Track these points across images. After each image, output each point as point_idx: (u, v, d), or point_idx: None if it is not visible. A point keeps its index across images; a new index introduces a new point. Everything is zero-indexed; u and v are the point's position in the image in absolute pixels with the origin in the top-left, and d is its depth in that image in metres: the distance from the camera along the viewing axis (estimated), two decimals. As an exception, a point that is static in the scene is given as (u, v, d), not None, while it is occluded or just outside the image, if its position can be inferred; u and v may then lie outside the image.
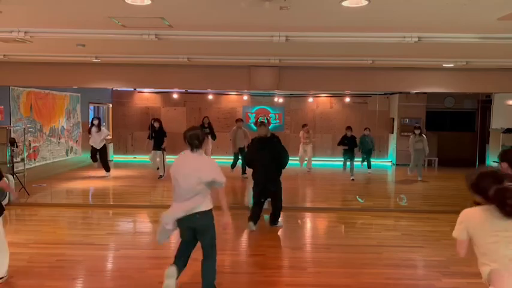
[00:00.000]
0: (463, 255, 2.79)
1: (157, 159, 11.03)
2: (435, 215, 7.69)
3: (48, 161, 11.22)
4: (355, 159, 11.73)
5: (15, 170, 8.76)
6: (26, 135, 9.72)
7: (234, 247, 6.04)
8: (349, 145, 11.52)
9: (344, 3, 3.90)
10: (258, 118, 14.97)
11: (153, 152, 11.08)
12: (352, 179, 11.29)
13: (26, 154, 9.68)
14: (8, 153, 8.74)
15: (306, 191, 10.65)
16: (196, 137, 4.11)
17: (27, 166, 9.58)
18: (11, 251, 4.84)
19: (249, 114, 15.15)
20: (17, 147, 8.89)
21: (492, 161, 10.61)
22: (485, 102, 12.82)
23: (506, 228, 2.62)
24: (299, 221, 7.56)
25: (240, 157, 11.29)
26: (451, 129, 14.76)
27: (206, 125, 12.15)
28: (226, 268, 5.17)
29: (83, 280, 4.87)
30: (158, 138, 11.03)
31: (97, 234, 6.44)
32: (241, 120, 11.84)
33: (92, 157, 11.21)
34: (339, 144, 11.70)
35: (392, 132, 14.79)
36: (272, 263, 5.39)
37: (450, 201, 9.12)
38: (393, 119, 14.82)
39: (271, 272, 5.05)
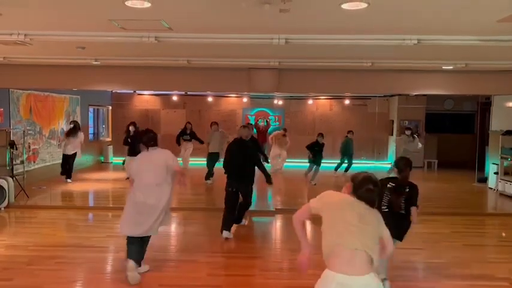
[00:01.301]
0: None
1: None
2: (435, 217, 7.68)
3: (47, 163, 11.21)
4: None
5: (14, 172, 8.76)
6: (25, 138, 9.72)
7: (232, 249, 6.03)
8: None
9: (343, 6, 3.91)
10: (258, 120, 14.99)
11: (127, 157, 10.37)
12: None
13: (25, 156, 9.67)
14: (8, 156, 8.73)
15: (303, 193, 10.64)
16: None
17: (26, 168, 9.57)
18: (11, 253, 4.83)
19: (248, 116, 15.15)
20: (16, 149, 8.88)
21: (492, 162, 10.62)
22: (485, 104, 12.84)
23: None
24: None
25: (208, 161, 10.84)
26: (450, 131, 14.77)
27: (188, 131, 12.04)
28: (224, 270, 5.16)
29: (83, 282, 4.86)
30: (134, 143, 10.37)
31: (97, 236, 6.43)
32: (216, 123, 11.31)
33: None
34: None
35: (392, 134, 14.80)
36: (271, 265, 5.39)
37: (450, 203, 9.12)
38: (393, 121, 14.83)
39: (270, 274, 5.05)
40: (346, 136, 12.37)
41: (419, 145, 10.97)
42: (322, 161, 11.19)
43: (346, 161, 12.44)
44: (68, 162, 10.58)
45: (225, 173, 6.58)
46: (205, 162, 10.91)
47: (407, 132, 11.07)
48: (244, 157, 6.45)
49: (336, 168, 12.37)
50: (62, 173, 10.58)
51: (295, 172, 12.69)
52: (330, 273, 2.60)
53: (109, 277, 5.02)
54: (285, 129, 13.15)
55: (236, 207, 6.56)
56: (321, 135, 11.19)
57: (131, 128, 10.60)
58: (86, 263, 5.29)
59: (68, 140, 10.55)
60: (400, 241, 4.34)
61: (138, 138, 10.26)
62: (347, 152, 12.23)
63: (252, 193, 6.70)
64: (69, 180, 10.54)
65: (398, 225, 4.21)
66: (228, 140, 10.06)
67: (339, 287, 2.53)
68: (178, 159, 12.08)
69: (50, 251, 5.66)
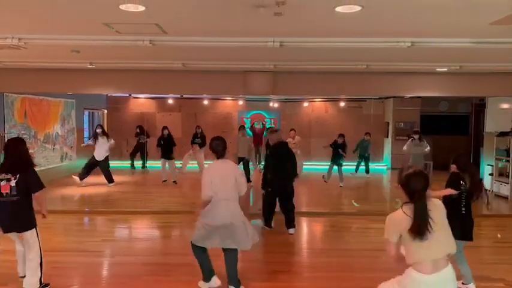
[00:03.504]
0: (395, 257, 2.88)
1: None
2: (430, 219, 7.70)
3: (42, 168, 11.14)
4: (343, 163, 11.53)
5: (9, 176, 8.69)
6: (20, 142, 9.66)
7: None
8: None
9: (337, 9, 3.92)
10: (254, 123, 14.99)
11: (162, 160, 11.38)
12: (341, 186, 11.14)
13: (20, 161, 9.61)
14: (2, 160, 8.68)
15: (301, 196, 10.64)
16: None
17: (21, 173, 9.51)
18: (5, 258, 4.81)
19: (244, 119, 15.15)
20: (11, 153, 8.82)
21: (487, 164, 10.67)
22: (479, 106, 12.89)
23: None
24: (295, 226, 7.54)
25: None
26: (445, 132, 14.82)
27: (199, 135, 12.13)
28: (222, 273, 5.15)
29: (78, 287, 4.83)
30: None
31: (92, 241, 6.40)
32: (243, 127, 11.69)
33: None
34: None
35: (387, 137, 14.84)
36: (268, 267, 5.39)
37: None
38: (388, 123, 14.87)
39: (268, 277, 5.04)
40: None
41: (428, 147, 10.99)
42: (321, 163, 11.24)
43: (363, 163, 12.72)
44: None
45: (267, 177, 6.91)
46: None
47: (416, 136, 11.04)
48: (288, 159, 6.87)
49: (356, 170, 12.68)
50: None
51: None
52: None
53: (104, 282, 5.00)
54: (293, 130, 12.64)
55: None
56: (341, 136, 11.35)
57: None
58: (81, 268, 5.27)
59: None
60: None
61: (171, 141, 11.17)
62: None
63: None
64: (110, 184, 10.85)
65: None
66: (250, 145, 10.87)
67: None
68: (177, 162, 12.12)
69: (45, 256, 5.57)
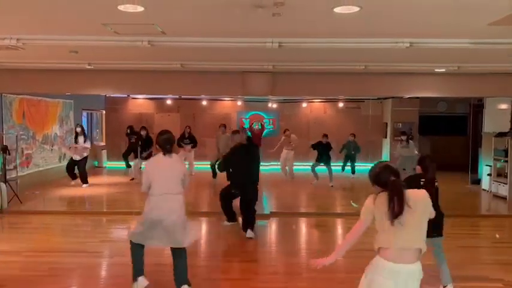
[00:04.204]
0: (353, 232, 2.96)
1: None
2: (429, 219, 7.71)
3: (41, 168, 11.14)
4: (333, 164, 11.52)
5: (7, 177, 8.69)
6: (18, 143, 9.65)
7: (227, 253, 6.02)
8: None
9: (336, 10, 3.93)
10: (252, 123, 14.99)
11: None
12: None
13: (18, 161, 9.61)
14: (0, 161, 8.67)
15: (299, 196, 10.65)
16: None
17: (19, 173, 9.50)
18: (4, 259, 4.80)
19: (243, 119, 15.15)
20: (9, 154, 8.82)
21: (485, 164, 10.69)
22: (477, 107, 12.92)
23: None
24: (293, 226, 7.56)
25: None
26: (443, 133, 14.85)
27: (187, 135, 12.13)
28: (220, 274, 5.15)
29: (77, 288, 4.83)
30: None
31: (90, 241, 6.39)
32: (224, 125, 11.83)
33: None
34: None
35: (386, 137, 14.85)
36: (266, 268, 5.39)
37: (443, 205, 9.06)
38: (386, 123, 14.89)
39: (266, 278, 5.04)
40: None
41: (415, 151, 10.62)
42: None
43: (349, 163, 12.61)
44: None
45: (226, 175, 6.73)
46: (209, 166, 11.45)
47: (403, 137, 10.79)
48: (252, 161, 6.70)
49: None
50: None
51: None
52: None
53: (103, 282, 4.99)
54: (286, 130, 12.98)
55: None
56: (325, 136, 11.41)
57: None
58: (80, 269, 5.26)
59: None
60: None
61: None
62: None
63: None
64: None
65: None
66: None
67: None
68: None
69: (43, 257, 5.62)
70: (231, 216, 7.08)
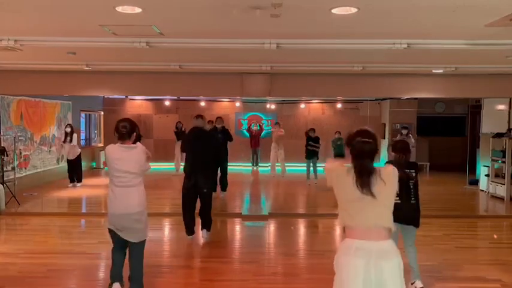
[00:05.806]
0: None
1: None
2: (427, 220, 7.67)
3: (39, 170, 11.13)
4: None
5: (5, 179, 8.68)
6: (16, 144, 9.64)
7: (226, 254, 6.02)
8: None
9: (334, 11, 3.94)
10: (251, 124, 15.01)
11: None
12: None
13: (16, 163, 9.59)
14: None
15: (298, 197, 10.65)
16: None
17: (17, 175, 9.48)
18: (2, 261, 4.78)
19: (241, 120, 15.15)
20: (7, 155, 8.81)
21: (483, 165, 10.71)
22: (475, 107, 12.95)
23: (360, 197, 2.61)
24: (292, 227, 7.56)
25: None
26: (442, 134, 14.88)
27: (178, 130, 12.14)
28: (219, 276, 5.14)
29: (75, 290, 4.82)
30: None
31: (88, 243, 6.38)
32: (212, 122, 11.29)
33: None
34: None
35: (384, 138, 14.87)
36: (265, 269, 5.38)
37: (441, 205, 9.17)
38: (385, 124, 14.91)
39: (265, 279, 5.03)
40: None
41: (412, 141, 11.00)
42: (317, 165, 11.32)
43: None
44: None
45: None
46: None
47: (403, 131, 11.06)
48: (205, 147, 6.08)
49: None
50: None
51: (290, 175, 12.72)
52: None
53: (101, 284, 4.98)
54: (277, 123, 13.22)
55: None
56: (312, 130, 11.59)
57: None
58: (77, 270, 5.25)
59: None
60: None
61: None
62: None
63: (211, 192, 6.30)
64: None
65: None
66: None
67: None
68: (171, 164, 12.03)
69: (41, 258, 5.60)
70: (189, 228, 6.25)
